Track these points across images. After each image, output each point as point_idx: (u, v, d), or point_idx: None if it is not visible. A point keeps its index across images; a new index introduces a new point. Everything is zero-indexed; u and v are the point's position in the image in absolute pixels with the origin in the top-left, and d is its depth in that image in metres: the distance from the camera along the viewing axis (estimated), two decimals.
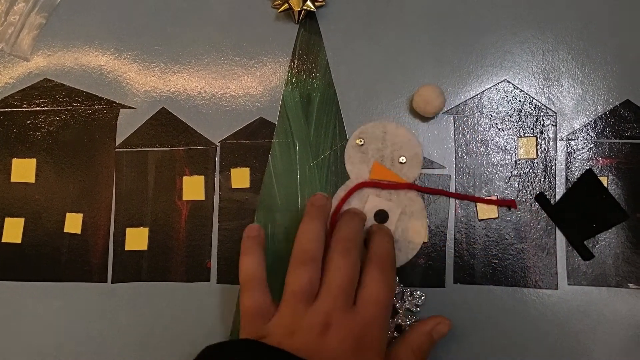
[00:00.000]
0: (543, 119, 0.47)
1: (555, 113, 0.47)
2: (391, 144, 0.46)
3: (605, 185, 0.46)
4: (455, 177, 0.47)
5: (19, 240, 0.48)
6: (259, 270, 0.42)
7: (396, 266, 0.44)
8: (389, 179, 0.46)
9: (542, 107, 0.47)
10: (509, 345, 0.45)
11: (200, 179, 0.48)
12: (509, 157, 0.47)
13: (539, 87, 0.47)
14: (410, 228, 0.46)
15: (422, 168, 0.47)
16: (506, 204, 0.46)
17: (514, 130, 0.47)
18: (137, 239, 0.47)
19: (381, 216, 0.46)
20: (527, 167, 0.47)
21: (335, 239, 0.42)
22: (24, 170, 0.49)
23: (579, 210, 0.46)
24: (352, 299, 0.40)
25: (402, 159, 0.46)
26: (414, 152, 0.46)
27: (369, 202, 0.46)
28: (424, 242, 0.46)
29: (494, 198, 0.46)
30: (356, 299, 0.40)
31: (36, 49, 0.50)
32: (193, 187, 0.48)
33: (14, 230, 0.48)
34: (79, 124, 0.49)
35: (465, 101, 0.47)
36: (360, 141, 0.46)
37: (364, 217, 0.45)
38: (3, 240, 0.48)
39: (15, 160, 0.49)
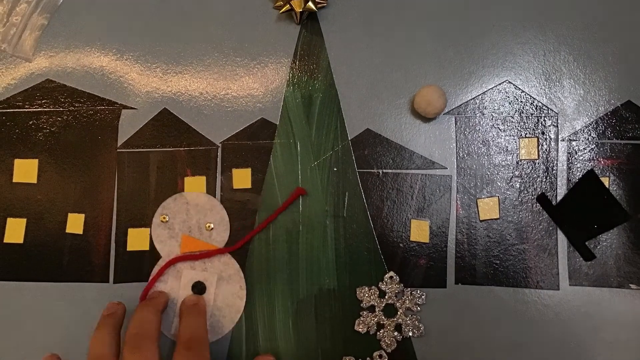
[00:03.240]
0: (544, 120, 0.47)
1: (557, 114, 0.47)
2: (196, 213, 0.47)
3: (607, 185, 0.46)
4: (457, 178, 0.47)
5: (21, 241, 0.48)
6: None
7: (221, 334, 0.46)
8: (200, 248, 0.46)
9: (544, 107, 0.47)
10: (510, 345, 0.45)
11: (202, 179, 0.48)
12: (510, 157, 0.47)
13: (541, 88, 0.47)
14: (230, 292, 0.46)
15: (424, 169, 0.47)
16: (298, 193, 0.46)
17: (516, 130, 0.47)
18: (139, 239, 0.47)
19: (199, 287, 0.46)
20: (529, 167, 0.46)
21: (126, 335, 0.42)
22: (26, 170, 0.49)
23: (581, 210, 0.46)
24: None
25: (210, 225, 0.46)
26: (219, 216, 0.47)
27: (184, 277, 0.46)
28: (425, 243, 0.46)
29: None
30: None
31: (38, 50, 0.50)
32: (195, 188, 0.48)
33: (16, 230, 0.48)
34: (81, 125, 0.49)
35: (466, 102, 0.47)
36: (165, 218, 0.46)
37: (157, 303, 0.44)
38: (5, 241, 0.48)
39: (17, 161, 0.49)
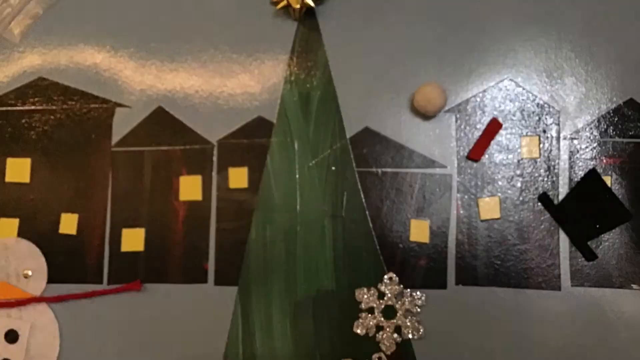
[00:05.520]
0: (546, 118, 0.47)
1: (559, 112, 0.47)
2: (15, 259, 0.46)
3: (609, 185, 0.45)
4: (457, 177, 0.46)
5: None
6: None
7: None
8: (16, 296, 0.46)
9: (545, 105, 0.47)
10: (512, 347, 0.45)
11: (198, 178, 0.47)
12: (511, 156, 0.46)
13: (542, 86, 0.47)
14: (43, 342, 0.46)
15: (424, 168, 0.46)
16: (131, 287, 0.46)
17: (517, 129, 0.47)
18: (133, 239, 0.47)
19: (12, 336, 0.46)
20: (530, 166, 0.46)
21: None
22: (18, 170, 0.48)
23: (583, 210, 0.45)
24: None
25: (28, 273, 0.46)
26: (37, 264, 0.46)
27: None
28: (424, 243, 0.46)
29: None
30: None
31: (30, 47, 0.49)
32: (190, 187, 0.47)
33: (8, 231, 0.47)
34: (74, 123, 0.48)
35: (467, 99, 0.47)
36: None
37: None
38: None
39: (9, 160, 0.48)
